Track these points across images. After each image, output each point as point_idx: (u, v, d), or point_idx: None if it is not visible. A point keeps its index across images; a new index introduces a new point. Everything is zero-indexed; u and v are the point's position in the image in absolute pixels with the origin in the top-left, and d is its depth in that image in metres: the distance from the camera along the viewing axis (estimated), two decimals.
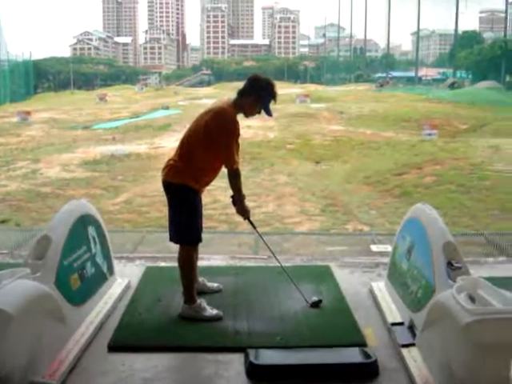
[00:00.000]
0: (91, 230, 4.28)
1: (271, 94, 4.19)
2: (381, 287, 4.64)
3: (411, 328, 3.80)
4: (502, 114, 26.10)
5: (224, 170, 4.19)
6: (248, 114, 4.28)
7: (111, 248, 4.67)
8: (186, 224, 4.20)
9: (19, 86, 64.92)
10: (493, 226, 7.94)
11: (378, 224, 8.62)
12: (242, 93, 4.21)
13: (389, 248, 5.31)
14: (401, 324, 3.95)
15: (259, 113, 4.26)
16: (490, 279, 3.16)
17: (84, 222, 4.14)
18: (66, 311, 3.56)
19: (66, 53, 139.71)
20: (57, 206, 9.26)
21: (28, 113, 31.52)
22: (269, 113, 4.24)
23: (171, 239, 4.28)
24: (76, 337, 3.70)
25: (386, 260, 4.89)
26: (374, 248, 6.13)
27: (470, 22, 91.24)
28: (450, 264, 3.52)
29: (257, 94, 4.16)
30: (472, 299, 2.95)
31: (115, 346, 3.73)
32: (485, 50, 65.56)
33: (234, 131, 4.12)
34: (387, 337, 3.89)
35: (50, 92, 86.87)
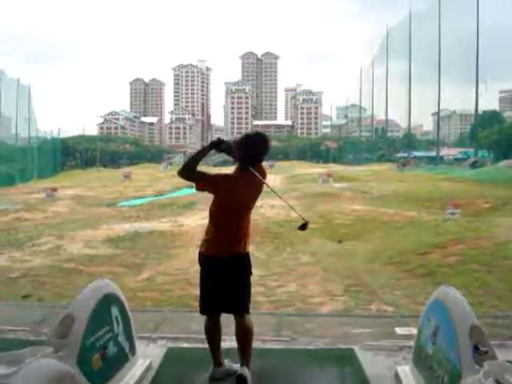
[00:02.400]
0: (114, 310, 4.29)
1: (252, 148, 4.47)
2: (406, 371, 4.53)
3: None
4: None
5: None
6: (243, 167, 4.47)
7: (133, 328, 4.66)
8: (200, 292, 4.49)
9: (47, 162, 66.58)
10: None
11: (402, 305, 8.48)
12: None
13: (413, 331, 5.22)
14: None
15: (241, 158, 4.47)
16: None
17: (108, 301, 4.16)
18: None
19: (94, 131, 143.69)
20: (79, 282, 9.31)
21: (54, 189, 32.21)
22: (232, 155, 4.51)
23: None
24: None
25: (411, 343, 4.80)
26: (398, 330, 6.01)
27: (490, 102, 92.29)
28: (476, 348, 3.46)
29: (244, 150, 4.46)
30: None
31: None
32: (505, 129, 66.03)
33: (215, 175, 4.50)
34: None
35: (77, 169, 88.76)
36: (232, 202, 4.40)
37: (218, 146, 4.42)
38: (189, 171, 4.36)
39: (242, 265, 4.48)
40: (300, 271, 11.23)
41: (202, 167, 4.46)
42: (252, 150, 4.45)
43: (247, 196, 4.49)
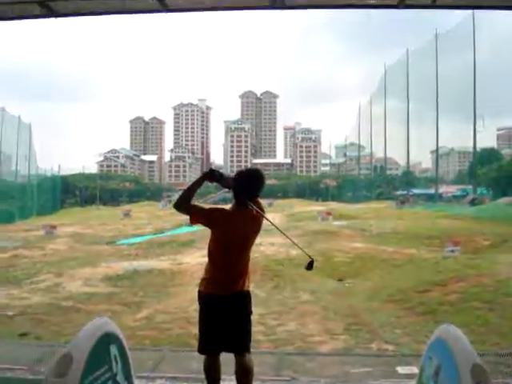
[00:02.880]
0: (113, 349, 4.24)
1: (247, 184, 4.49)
2: None
3: None
4: None
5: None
6: (241, 204, 4.48)
7: (132, 367, 4.61)
8: (199, 331, 4.48)
9: (46, 199, 66.78)
10: None
11: (403, 343, 8.41)
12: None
13: (415, 369, 5.16)
14: None
15: (236, 193, 4.49)
16: None
17: (107, 340, 4.12)
18: None
19: (94, 169, 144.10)
20: (77, 320, 9.26)
21: (54, 227, 32.20)
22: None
23: None
24: None
25: (413, 382, 4.74)
26: (399, 370, 5.95)
27: (488, 140, 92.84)
28: None
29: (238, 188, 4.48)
30: None
31: None
32: (504, 167, 66.24)
33: (210, 208, 4.51)
34: None
35: (77, 207, 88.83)
36: (230, 238, 4.39)
37: (211, 175, 4.43)
38: (184, 203, 4.39)
39: (243, 303, 4.45)
40: (300, 309, 11.16)
41: (203, 205, 4.49)
42: (247, 186, 4.46)
43: (245, 232, 4.46)
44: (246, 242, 4.52)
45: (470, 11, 51.03)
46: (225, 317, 4.35)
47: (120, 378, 4.29)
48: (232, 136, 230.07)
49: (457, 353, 3.73)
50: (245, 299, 4.48)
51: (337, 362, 6.63)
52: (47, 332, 9.35)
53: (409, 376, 5.53)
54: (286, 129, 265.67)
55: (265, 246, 18.90)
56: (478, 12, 49.89)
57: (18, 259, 20.21)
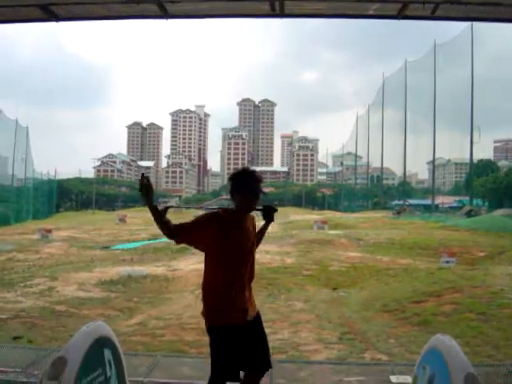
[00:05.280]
0: (107, 353, 4.23)
1: (248, 183, 3.99)
2: None
3: None
4: None
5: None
6: (245, 208, 4.02)
7: (126, 371, 4.60)
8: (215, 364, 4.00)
9: (42, 203, 66.84)
10: None
11: (397, 353, 8.39)
12: (231, 196, 4.07)
13: (409, 379, 5.17)
14: None
15: (252, 202, 4.00)
16: None
17: (101, 344, 4.11)
18: None
19: (90, 174, 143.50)
20: (70, 325, 9.23)
21: (49, 230, 32.16)
22: (255, 197, 4.01)
23: None
24: None
25: None
26: (393, 379, 5.95)
27: (484, 151, 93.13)
28: None
29: (238, 191, 4.01)
30: None
31: None
32: (500, 179, 66.58)
33: (199, 217, 4.04)
34: None
35: (72, 211, 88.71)
36: (236, 247, 3.97)
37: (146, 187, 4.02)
38: (170, 233, 4.10)
39: (260, 323, 4.16)
40: (294, 318, 11.12)
41: (198, 212, 4.42)
42: (245, 185, 4.00)
43: (250, 238, 4.08)
44: (252, 248, 4.10)
45: (468, 23, 51.37)
46: (246, 343, 3.96)
47: (113, 381, 4.28)
48: (229, 143, 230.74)
49: (450, 362, 3.73)
50: (260, 318, 4.17)
51: (330, 371, 6.62)
52: (40, 336, 9.30)
53: None
54: (283, 137, 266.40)
55: (260, 254, 18.90)
56: (476, 24, 50.16)
57: (13, 262, 20.17)
